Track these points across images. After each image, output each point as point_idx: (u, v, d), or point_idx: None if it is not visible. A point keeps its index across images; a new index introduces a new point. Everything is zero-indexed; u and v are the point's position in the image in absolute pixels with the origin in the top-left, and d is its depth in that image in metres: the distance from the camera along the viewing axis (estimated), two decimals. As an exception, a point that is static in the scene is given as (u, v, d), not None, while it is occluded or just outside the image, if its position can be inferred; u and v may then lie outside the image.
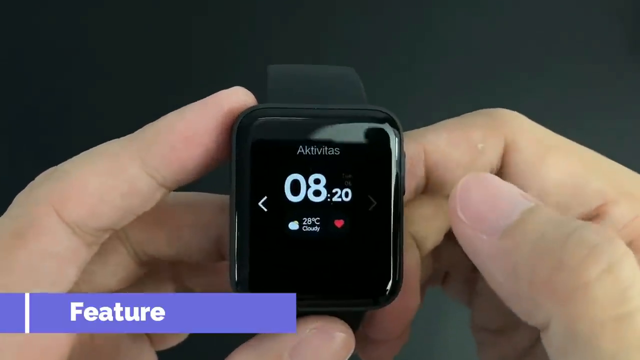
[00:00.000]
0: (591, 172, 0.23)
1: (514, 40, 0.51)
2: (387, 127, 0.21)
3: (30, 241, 0.20)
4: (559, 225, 0.18)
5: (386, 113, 0.21)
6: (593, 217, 0.23)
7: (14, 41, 0.49)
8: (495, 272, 0.19)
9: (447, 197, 0.25)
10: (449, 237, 0.26)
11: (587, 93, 0.50)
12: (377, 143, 0.21)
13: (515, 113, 0.24)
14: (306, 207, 0.21)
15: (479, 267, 0.20)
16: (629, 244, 0.21)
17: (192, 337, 0.30)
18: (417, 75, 0.49)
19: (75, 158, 0.21)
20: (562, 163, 0.23)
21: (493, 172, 0.24)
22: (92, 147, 0.22)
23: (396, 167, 0.21)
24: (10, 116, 0.48)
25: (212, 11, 0.50)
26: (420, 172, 0.23)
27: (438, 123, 0.24)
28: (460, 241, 0.20)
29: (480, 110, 0.24)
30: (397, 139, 0.21)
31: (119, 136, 0.22)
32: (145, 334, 0.28)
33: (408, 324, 0.26)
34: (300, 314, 0.22)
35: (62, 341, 0.22)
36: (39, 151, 0.46)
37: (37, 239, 0.20)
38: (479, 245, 0.20)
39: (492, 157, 0.23)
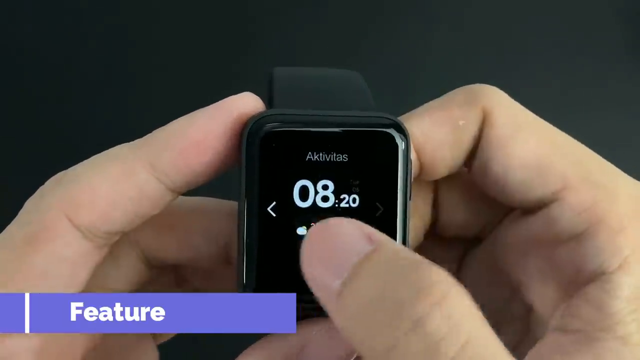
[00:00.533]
0: (558, 155, 0.22)
1: (514, 40, 0.50)
2: (394, 134, 0.21)
3: (44, 246, 0.20)
4: (384, 279, 0.17)
5: (393, 120, 0.21)
6: (551, 201, 0.22)
7: (19, 40, 0.48)
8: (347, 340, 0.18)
9: (431, 181, 0.25)
10: (431, 237, 0.26)
11: (587, 93, 0.50)
12: (385, 149, 0.21)
13: (495, 88, 0.23)
14: (314, 213, 0.21)
15: None
16: (584, 231, 0.21)
17: (193, 335, 0.30)
18: (417, 76, 0.49)
19: (85, 162, 0.21)
20: (531, 142, 0.22)
21: (475, 147, 0.23)
22: (99, 150, 0.22)
23: (403, 173, 0.21)
24: (14, 118, 0.47)
25: (214, 13, 0.49)
26: (412, 157, 0.23)
27: (420, 107, 0.24)
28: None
29: (460, 87, 0.24)
30: (404, 145, 0.21)
31: (126, 140, 0.21)
32: None
33: None
34: (309, 317, 0.22)
35: (78, 342, 0.22)
36: (47, 153, 0.46)
37: (50, 244, 0.20)
38: (325, 304, 0.18)
39: (474, 131, 0.23)
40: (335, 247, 0.18)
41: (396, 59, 0.50)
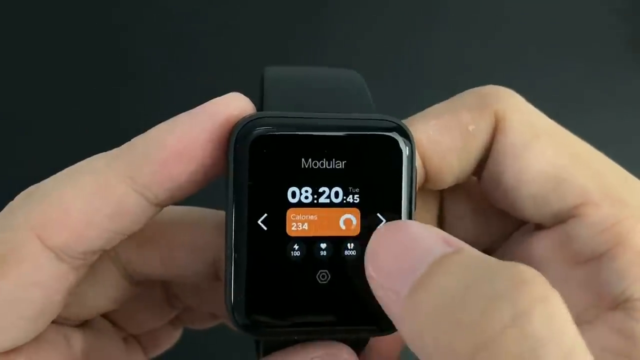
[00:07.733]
0: (578, 167, 0.21)
1: (514, 41, 0.50)
2: (397, 138, 0.20)
3: (11, 270, 0.19)
4: (468, 276, 0.15)
5: (396, 123, 0.20)
6: (569, 217, 0.21)
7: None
8: (406, 339, 0.16)
9: (436, 191, 0.23)
10: None
11: (587, 93, 0.49)
12: (387, 155, 0.20)
13: (509, 90, 0.22)
14: None
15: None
16: (606, 252, 0.20)
17: (186, 340, 0.29)
18: (416, 77, 0.48)
19: (57, 176, 0.20)
20: (548, 151, 0.21)
21: (486, 155, 0.22)
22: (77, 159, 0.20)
23: (407, 181, 0.20)
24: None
25: (205, 10, 0.48)
26: (417, 164, 0.22)
27: (426, 110, 0.22)
28: (379, 302, 0.18)
29: (471, 89, 0.22)
30: (408, 150, 0.20)
31: (107, 148, 0.20)
32: (137, 342, 0.27)
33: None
34: (304, 340, 0.20)
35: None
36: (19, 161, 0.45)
37: (19, 267, 0.19)
38: (389, 306, 0.17)
39: (485, 138, 0.21)
40: (408, 247, 0.16)
41: (397, 58, 0.49)
